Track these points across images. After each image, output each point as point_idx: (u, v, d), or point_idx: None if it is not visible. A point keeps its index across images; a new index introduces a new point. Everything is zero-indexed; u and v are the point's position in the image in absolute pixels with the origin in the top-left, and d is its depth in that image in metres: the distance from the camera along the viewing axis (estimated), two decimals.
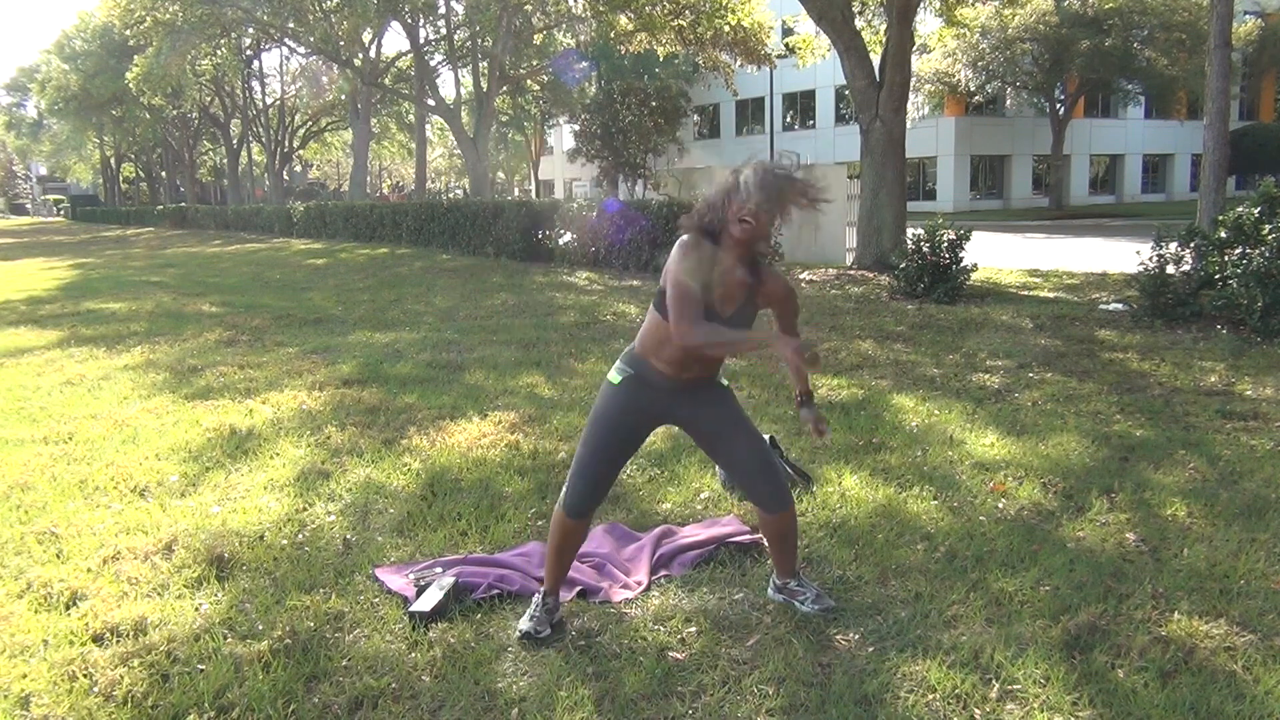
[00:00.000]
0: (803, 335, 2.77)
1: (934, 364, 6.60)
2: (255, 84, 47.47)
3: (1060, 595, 2.99)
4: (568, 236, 14.53)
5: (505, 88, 33.84)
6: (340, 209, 24.13)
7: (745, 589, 3.10)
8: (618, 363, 2.81)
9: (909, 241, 10.29)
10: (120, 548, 3.47)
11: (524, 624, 2.81)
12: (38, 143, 63.49)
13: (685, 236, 2.59)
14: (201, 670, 2.63)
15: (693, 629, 2.85)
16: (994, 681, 2.52)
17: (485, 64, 28.91)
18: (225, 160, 52.11)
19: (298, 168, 66.62)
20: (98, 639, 2.83)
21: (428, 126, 38.21)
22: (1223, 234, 7.68)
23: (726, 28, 22.52)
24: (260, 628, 2.88)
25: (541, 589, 2.91)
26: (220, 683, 2.56)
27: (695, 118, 46.30)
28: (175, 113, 47.37)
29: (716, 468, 4.15)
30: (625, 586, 3.15)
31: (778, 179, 2.49)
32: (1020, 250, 17.19)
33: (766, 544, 3.01)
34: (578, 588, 3.09)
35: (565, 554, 2.88)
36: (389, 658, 2.71)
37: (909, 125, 13.45)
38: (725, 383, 2.85)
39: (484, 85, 28.77)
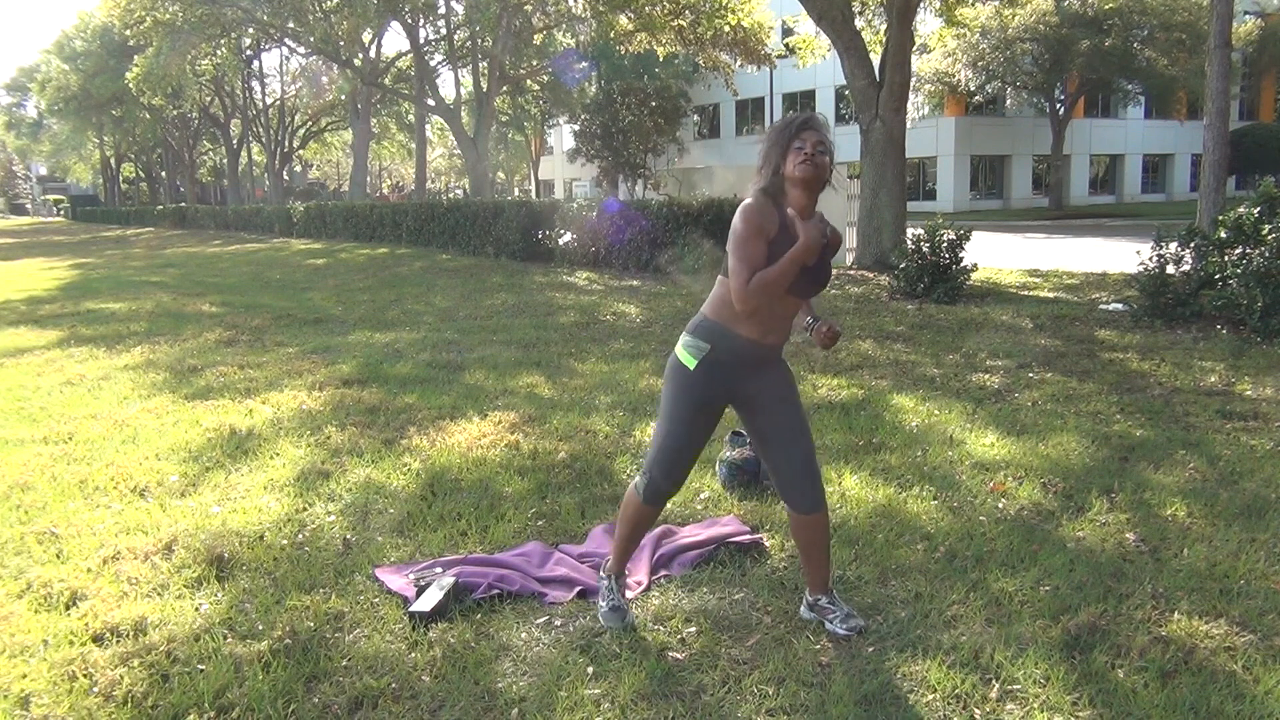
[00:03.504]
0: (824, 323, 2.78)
1: (934, 364, 6.60)
2: (255, 84, 47.54)
3: (1060, 595, 2.99)
4: (568, 236, 14.53)
5: (505, 88, 33.85)
6: (340, 209, 24.13)
7: (745, 589, 3.10)
8: (688, 338, 2.71)
9: (909, 241, 10.29)
10: (120, 548, 3.47)
11: (605, 605, 2.90)
12: (38, 143, 63.48)
13: (748, 200, 2.61)
14: (201, 670, 2.63)
15: (693, 629, 2.85)
16: (994, 681, 2.52)
17: (485, 64, 28.91)
18: (225, 160, 52.13)
19: (298, 168, 66.65)
20: (98, 639, 2.83)
21: (428, 126, 38.22)
22: (1223, 234, 7.68)
23: (726, 28, 22.52)
24: (260, 628, 2.88)
25: (608, 572, 2.96)
26: (220, 683, 2.56)
27: (695, 118, 46.34)
28: (175, 113, 47.39)
29: (717, 466, 4.15)
30: (625, 587, 3.15)
31: (808, 117, 2.60)
32: (1020, 250, 17.19)
33: (799, 553, 2.90)
34: (578, 588, 3.09)
35: (638, 537, 2.94)
36: (389, 658, 2.71)
37: (909, 125, 13.46)
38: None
39: (484, 85, 28.77)
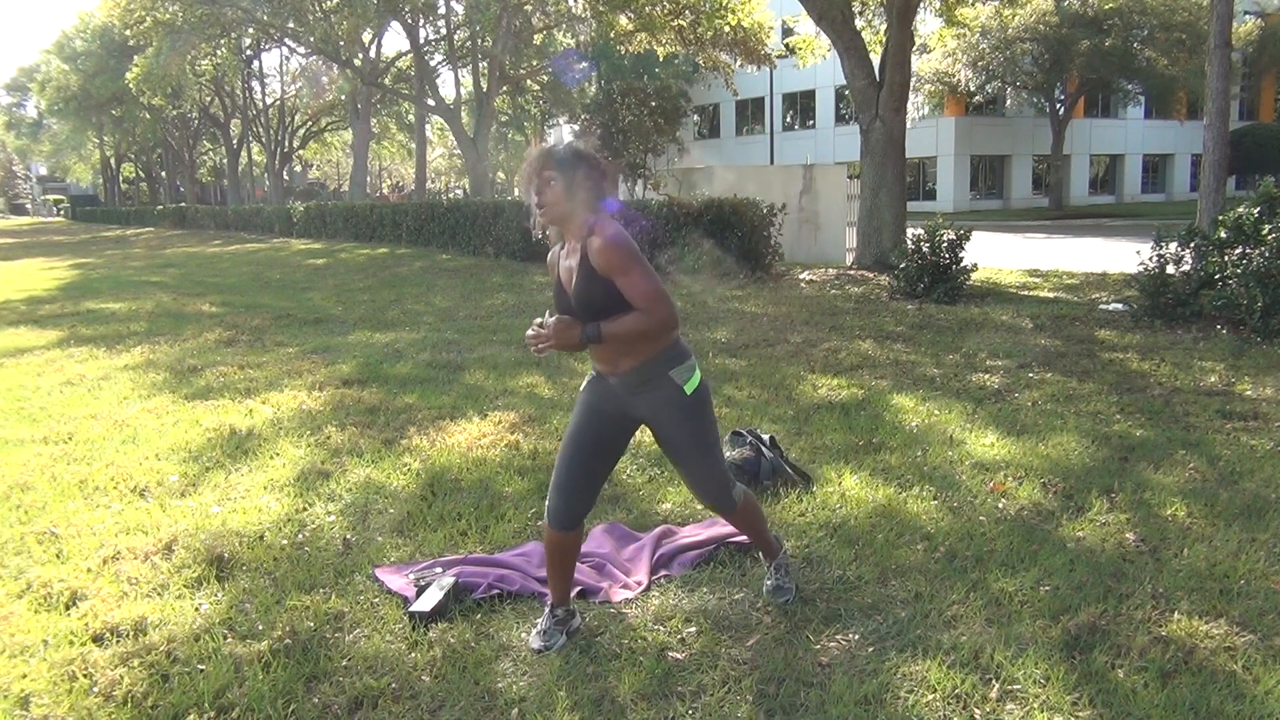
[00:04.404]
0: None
1: (934, 364, 6.60)
2: (255, 84, 47.55)
3: (1060, 595, 2.99)
4: None
5: (505, 88, 33.87)
6: (340, 209, 24.12)
7: (745, 589, 3.10)
8: None
9: (909, 241, 10.29)
10: (120, 548, 3.47)
11: (535, 641, 2.77)
12: (38, 143, 63.50)
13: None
14: (201, 670, 2.63)
15: (693, 629, 2.85)
16: (994, 681, 2.52)
17: (485, 64, 28.92)
18: (225, 160, 52.14)
19: (298, 168, 66.62)
20: (98, 639, 2.83)
21: (428, 126, 38.24)
22: (1223, 234, 7.68)
23: (726, 28, 22.53)
24: (260, 628, 2.88)
25: (549, 600, 2.89)
26: (220, 683, 2.56)
27: (695, 118, 46.29)
28: (175, 113, 47.39)
29: None
30: (625, 586, 3.15)
31: (533, 167, 2.62)
32: (1020, 250, 17.19)
33: None
34: (578, 588, 3.09)
35: (560, 566, 2.82)
36: (389, 658, 2.71)
37: (909, 125, 13.46)
38: (688, 391, 2.66)
39: (484, 85, 28.78)
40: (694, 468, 2.77)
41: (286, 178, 54.35)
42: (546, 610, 2.86)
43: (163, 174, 62.87)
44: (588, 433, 2.75)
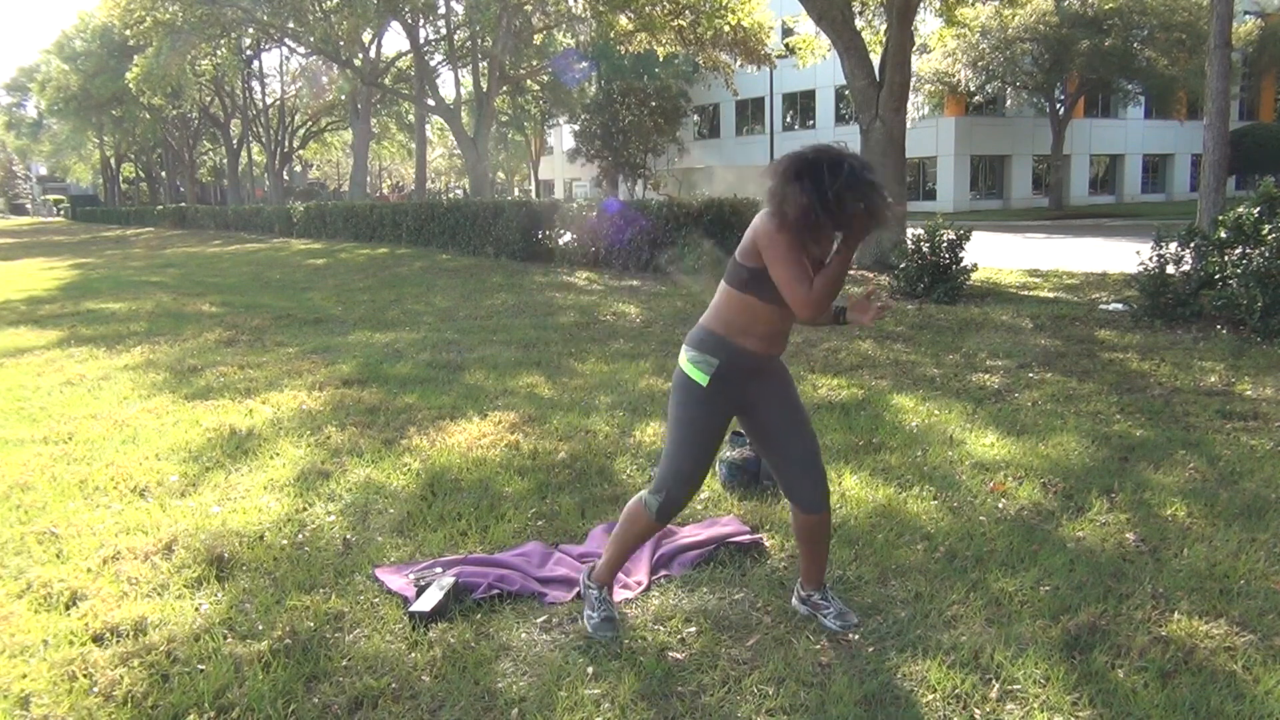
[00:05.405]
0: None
1: (934, 364, 6.60)
2: (255, 84, 47.55)
3: (1060, 595, 2.99)
4: (568, 236, 14.54)
5: (505, 88, 33.86)
6: (340, 209, 24.13)
7: (745, 589, 3.10)
8: (694, 353, 2.65)
9: (909, 241, 10.29)
10: (120, 548, 3.47)
11: (596, 616, 2.83)
12: (38, 143, 63.49)
13: (776, 220, 2.45)
14: (201, 670, 2.63)
15: (693, 629, 2.85)
16: (994, 681, 2.52)
17: (485, 64, 28.92)
18: (225, 160, 52.15)
19: (298, 168, 66.64)
20: (98, 639, 2.83)
21: (428, 126, 38.23)
22: (1223, 234, 7.67)
23: (726, 28, 22.53)
24: (260, 628, 2.88)
25: (598, 581, 2.90)
26: (220, 683, 2.56)
27: (695, 118, 46.32)
28: (175, 113, 47.40)
29: (717, 466, 4.15)
30: (625, 586, 3.15)
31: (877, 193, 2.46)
32: (1020, 250, 17.19)
33: (798, 548, 2.92)
34: (577, 588, 3.09)
35: (635, 551, 2.95)
36: (389, 658, 2.71)
37: (909, 125, 13.46)
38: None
39: (484, 85, 28.78)
40: (811, 435, 2.76)
41: (286, 178, 54.36)
42: (601, 590, 2.88)
43: (163, 174, 62.88)
44: (720, 430, 2.73)
